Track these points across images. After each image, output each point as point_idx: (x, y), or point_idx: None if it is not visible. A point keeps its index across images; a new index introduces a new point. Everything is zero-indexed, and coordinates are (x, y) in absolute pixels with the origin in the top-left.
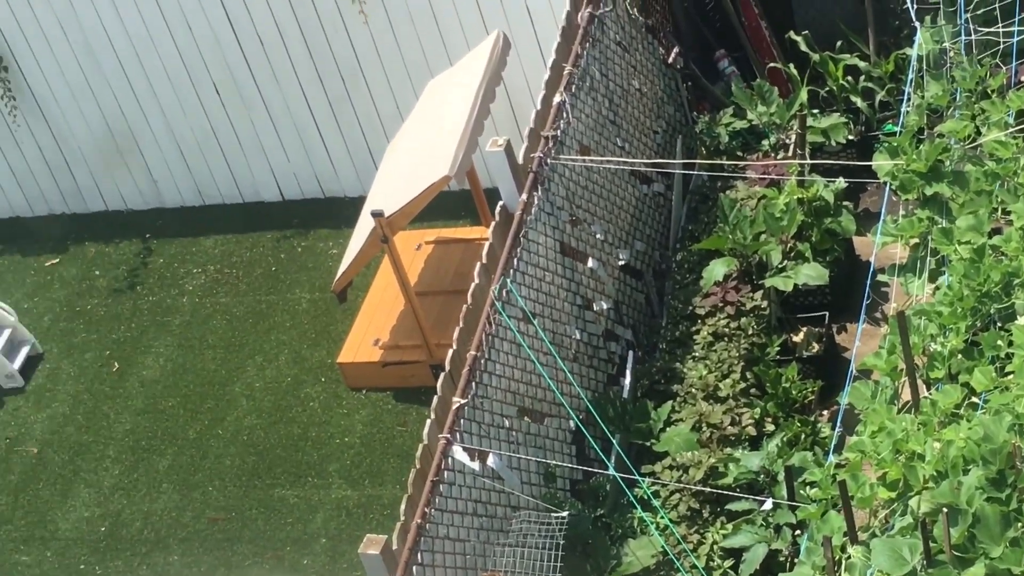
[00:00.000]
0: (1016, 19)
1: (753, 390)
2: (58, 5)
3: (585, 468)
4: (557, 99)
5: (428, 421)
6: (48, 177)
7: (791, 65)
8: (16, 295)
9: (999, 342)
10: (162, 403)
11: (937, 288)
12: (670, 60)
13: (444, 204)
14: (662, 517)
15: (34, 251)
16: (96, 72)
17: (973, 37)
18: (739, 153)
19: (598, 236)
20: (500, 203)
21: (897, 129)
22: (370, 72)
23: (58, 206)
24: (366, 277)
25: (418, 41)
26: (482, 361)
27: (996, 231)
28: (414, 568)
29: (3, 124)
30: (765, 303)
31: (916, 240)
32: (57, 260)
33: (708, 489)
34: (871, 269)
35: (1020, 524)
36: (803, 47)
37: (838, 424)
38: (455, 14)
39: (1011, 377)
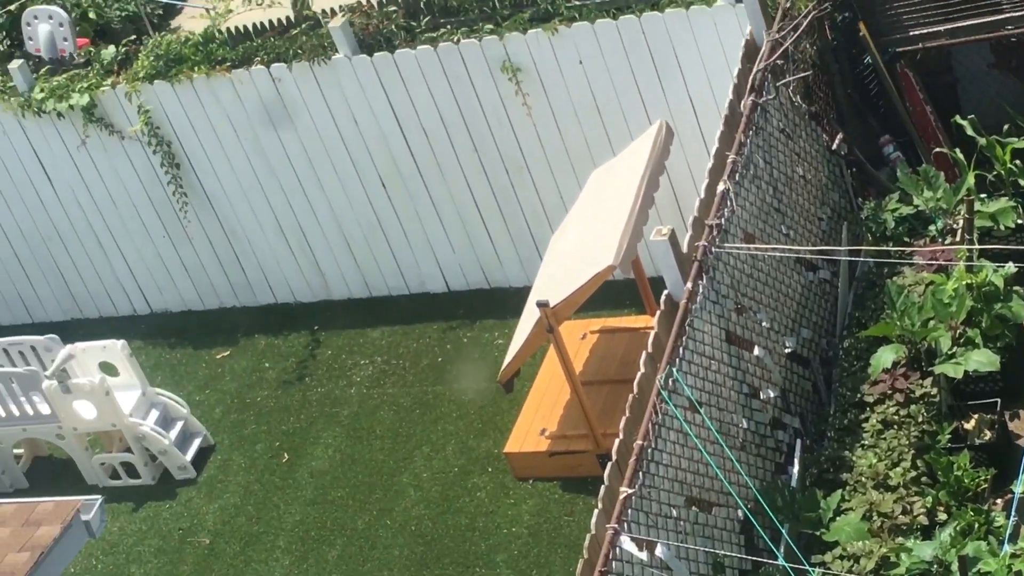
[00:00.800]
0: None
1: (924, 479)
2: (228, 103)
3: (754, 558)
4: (721, 187)
5: (595, 511)
6: (219, 271)
7: (957, 149)
8: (189, 387)
9: None
10: (331, 494)
11: None
12: (834, 146)
13: (609, 293)
14: None
15: (206, 344)
16: (265, 167)
17: None
18: (906, 239)
19: (764, 324)
20: (665, 292)
21: None
22: (534, 163)
23: (229, 299)
24: (532, 367)
25: (582, 132)
26: (649, 450)
27: None
28: None
29: (175, 220)
30: (935, 390)
31: None
32: (228, 353)
33: None
34: None
35: None
36: (969, 131)
37: (1012, 512)
38: (618, 105)
39: None
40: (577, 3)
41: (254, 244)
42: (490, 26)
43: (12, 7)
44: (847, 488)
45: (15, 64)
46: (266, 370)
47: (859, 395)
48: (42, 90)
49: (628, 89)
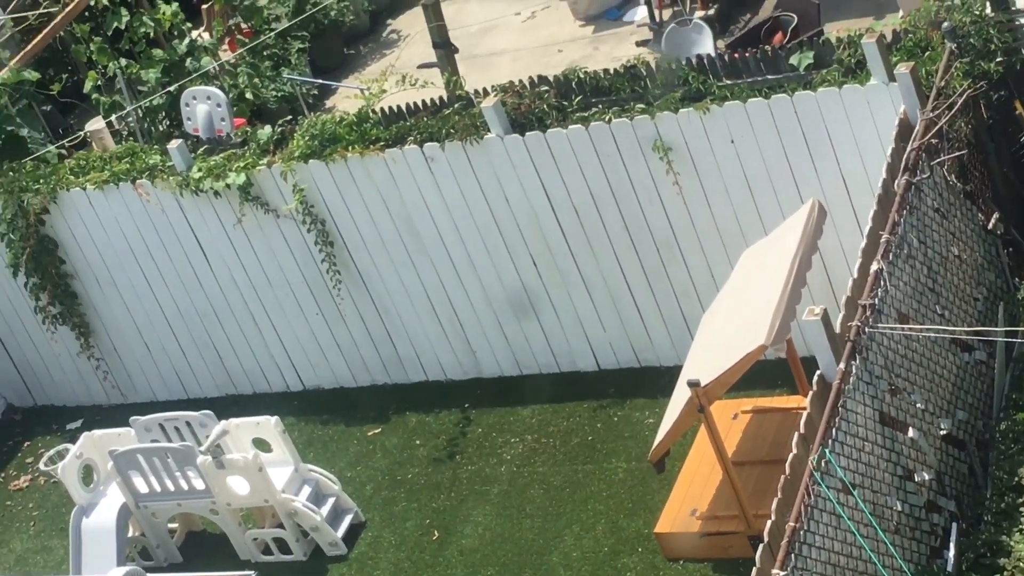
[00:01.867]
0: None
1: None
2: (381, 182)
3: None
4: (874, 267)
5: None
6: (371, 348)
7: None
8: (340, 464)
9: None
10: (481, 572)
11: None
12: (990, 226)
13: (761, 373)
14: None
15: (357, 421)
16: (416, 245)
17: None
18: None
19: (919, 405)
20: (818, 372)
21: None
22: (685, 242)
23: (380, 376)
24: (683, 447)
25: (733, 210)
26: (801, 532)
27: None
28: None
29: (328, 298)
30: None
31: None
32: (379, 430)
33: None
34: None
35: None
36: None
37: None
38: (769, 183)
39: None
40: (729, 83)
41: (406, 322)
42: (641, 105)
43: (172, 88)
44: (1005, 573)
45: (174, 144)
46: (417, 447)
47: (1017, 478)
48: (200, 169)
49: (780, 168)
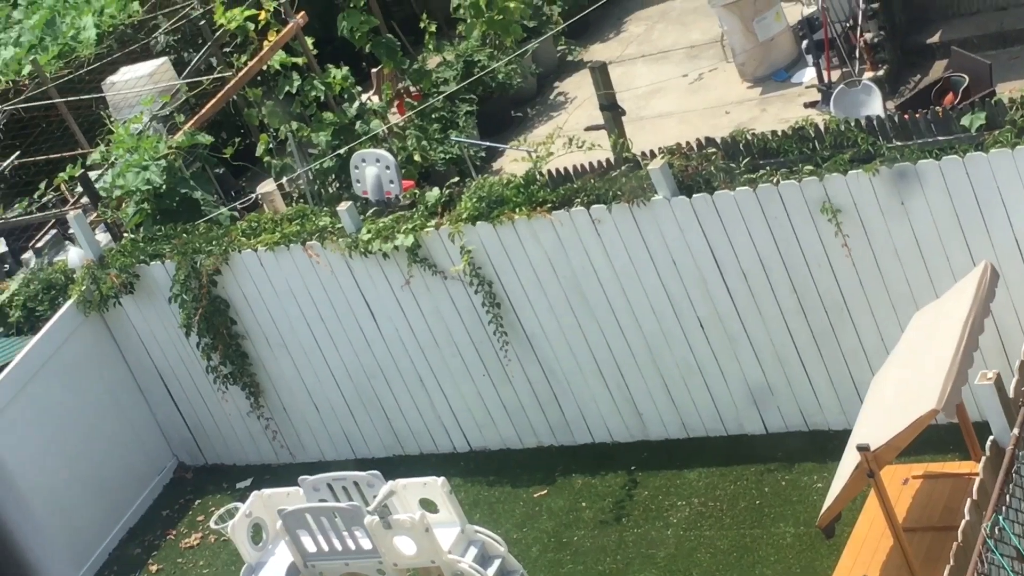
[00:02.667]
0: None
1: None
2: (548, 244)
3: None
4: None
5: None
6: (537, 410)
7: None
8: (506, 525)
9: None
10: None
11: None
12: None
13: (931, 438)
14: None
15: (523, 482)
16: (583, 307)
17: None
18: None
19: None
20: (990, 438)
21: None
22: (854, 305)
23: (546, 438)
24: (852, 512)
25: (903, 273)
26: None
27: None
28: None
29: (495, 359)
30: None
31: None
32: (545, 491)
33: None
34: None
35: None
36: None
37: None
38: (940, 246)
39: None
40: (899, 144)
41: (572, 384)
42: (810, 167)
43: (342, 151)
44: None
45: (344, 206)
46: (583, 510)
47: None
48: (369, 231)
49: (951, 229)
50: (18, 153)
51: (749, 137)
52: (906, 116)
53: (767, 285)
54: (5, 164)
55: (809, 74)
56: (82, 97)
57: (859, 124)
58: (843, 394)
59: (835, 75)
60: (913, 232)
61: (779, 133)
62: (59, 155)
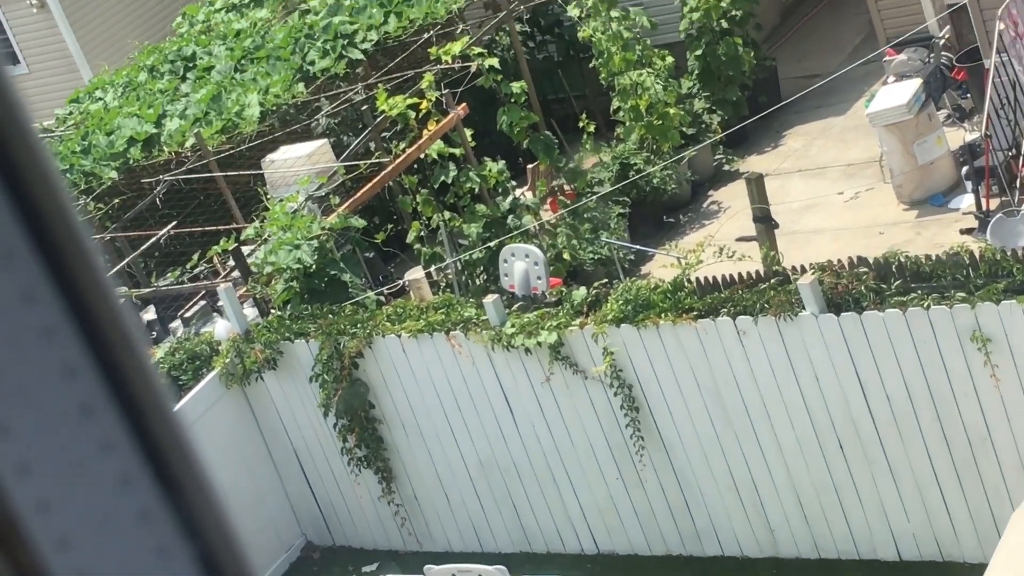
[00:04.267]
0: None
1: None
2: (691, 351)
3: None
4: None
5: None
6: (668, 518)
7: None
8: None
9: None
10: None
11: None
12: None
13: None
14: None
15: None
16: (722, 418)
17: None
18: None
19: None
20: None
21: None
22: (998, 436)
23: (675, 547)
24: None
25: None
26: None
27: None
28: None
29: (630, 464)
30: None
31: None
32: None
33: None
34: None
35: None
36: None
37: None
38: None
39: None
40: None
41: (705, 493)
42: (962, 294)
43: (492, 244)
44: None
45: (490, 299)
46: None
47: None
48: (513, 325)
49: None
50: (175, 223)
51: (902, 259)
52: None
53: (910, 410)
54: (161, 233)
55: (967, 200)
56: (241, 172)
57: (1016, 254)
58: (981, 527)
59: (994, 203)
60: None
61: (933, 257)
62: (214, 228)
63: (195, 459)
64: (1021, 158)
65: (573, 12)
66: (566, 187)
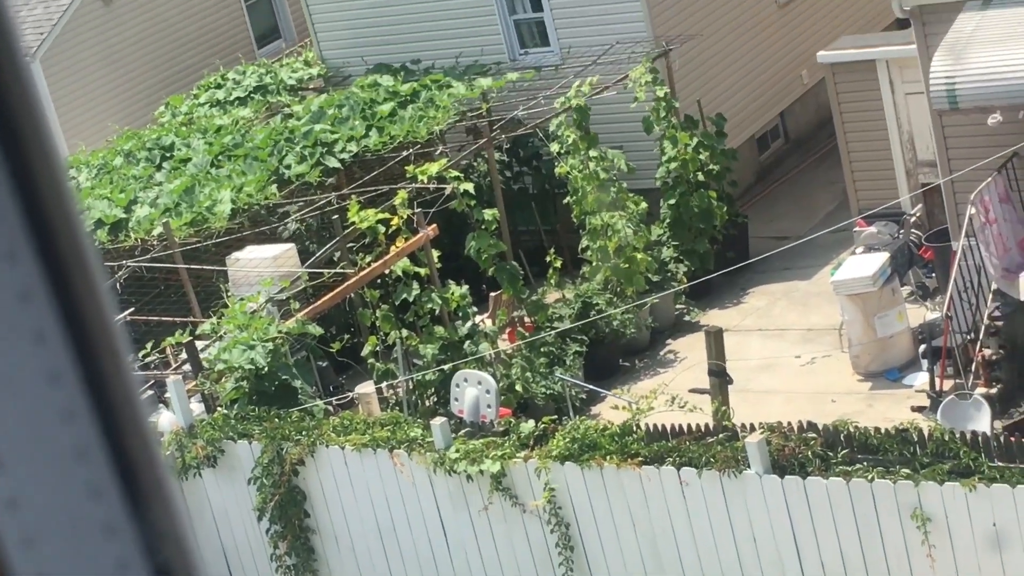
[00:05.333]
0: None
1: None
2: (632, 497)
3: None
4: None
5: None
6: None
7: None
8: None
9: None
10: None
11: None
12: None
13: None
14: None
15: None
16: (656, 566)
17: None
18: None
19: None
20: None
21: None
22: None
23: None
24: None
25: None
26: None
27: None
28: None
29: None
30: None
31: None
32: None
33: None
34: None
35: None
36: None
37: None
38: None
39: None
40: (1000, 464)
41: None
42: (907, 471)
43: (446, 367)
44: None
45: (437, 421)
46: None
47: None
48: (458, 450)
49: None
50: (132, 309)
51: (851, 429)
52: (1012, 438)
53: None
54: (118, 318)
55: (921, 378)
56: (205, 267)
57: (964, 437)
58: None
59: (947, 384)
60: (1001, 557)
61: (882, 431)
62: (171, 319)
63: (164, 475)
64: (979, 343)
65: (553, 147)
66: (526, 319)
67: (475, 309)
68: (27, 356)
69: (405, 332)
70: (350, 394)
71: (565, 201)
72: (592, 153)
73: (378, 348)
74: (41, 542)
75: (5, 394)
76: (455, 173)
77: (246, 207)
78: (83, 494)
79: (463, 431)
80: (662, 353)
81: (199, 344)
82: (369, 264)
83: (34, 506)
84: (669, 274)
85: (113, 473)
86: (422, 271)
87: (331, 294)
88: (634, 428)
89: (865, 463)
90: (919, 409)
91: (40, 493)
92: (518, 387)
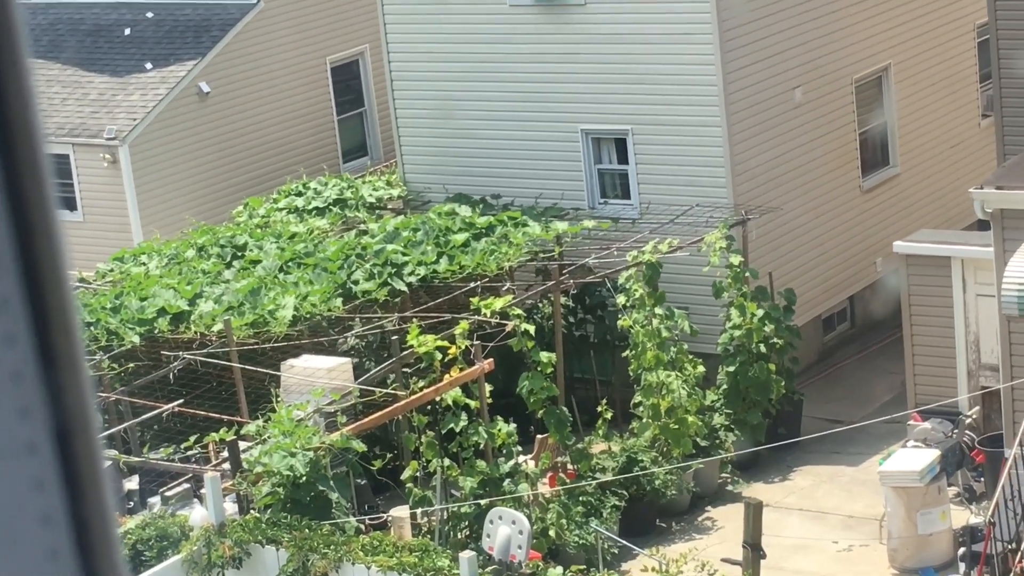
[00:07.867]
0: None
1: None
2: None
3: None
4: None
5: None
6: None
7: None
8: None
9: None
10: None
11: None
12: None
13: None
14: None
15: None
16: None
17: None
18: None
19: None
20: None
21: None
22: None
23: None
24: None
25: None
26: None
27: None
28: None
29: None
30: None
31: None
32: None
33: None
34: None
35: None
36: None
37: None
38: None
39: None
40: None
41: None
42: None
43: (483, 502)
44: None
45: (466, 555)
46: None
47: None
48: None
49: None
50: (182, 400)
51: None
52: None
53: None
54: (166, 408)
55: None
56: (259, 369)
57: None
58: None
59: None
60: None
61: None
62: (218, 415)
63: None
64: (1020, 553)
65: (620, 299)
66: (569, 466)
67: (520, 449)
68: (3, 393)
69: (447, 461)
70: (384, 515)
71: (624, 354)
72: (658, 310)
73: (418, 474)
74: None
75: None
76: (519, 312)
77: (308, 316)
78: (35, 520)
79: (490, 568)
80: (700, 519)
81: (242, 444)
82: (421, 389)
83: None
84: (718, 441)
85: (65, 502)
86: (473, 403)
87: (379, 413)
88: None
89: None
90: None
91: None
92: (552, 532)
